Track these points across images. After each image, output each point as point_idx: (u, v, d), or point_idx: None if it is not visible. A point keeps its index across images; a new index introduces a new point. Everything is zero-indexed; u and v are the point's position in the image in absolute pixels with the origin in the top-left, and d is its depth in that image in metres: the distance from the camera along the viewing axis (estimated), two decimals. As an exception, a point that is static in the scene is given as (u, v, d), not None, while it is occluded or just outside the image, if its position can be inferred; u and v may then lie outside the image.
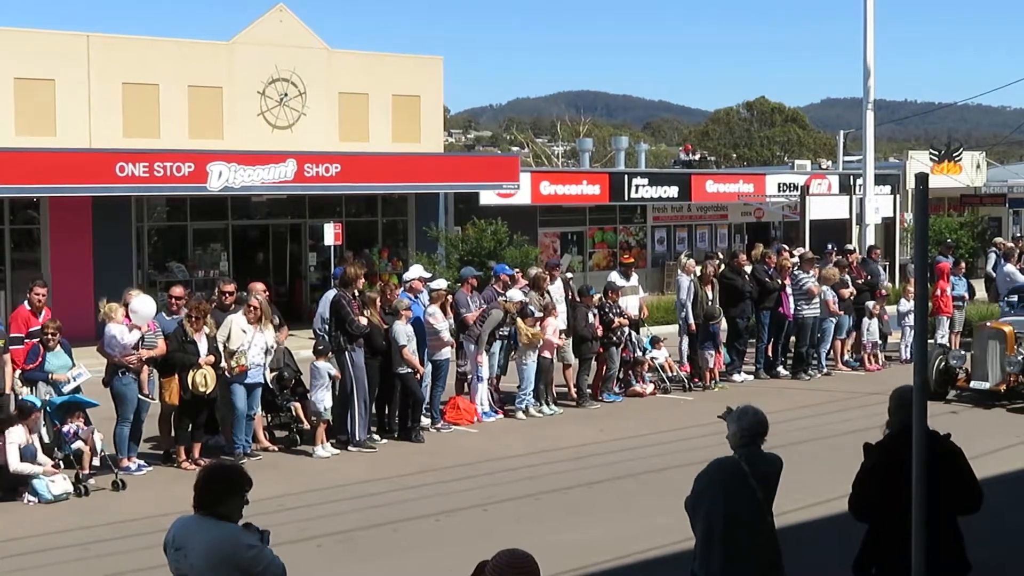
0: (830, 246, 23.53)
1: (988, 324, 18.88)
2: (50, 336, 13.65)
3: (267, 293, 15.72)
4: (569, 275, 19.55)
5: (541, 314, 17.41)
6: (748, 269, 20.49)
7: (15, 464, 12.53)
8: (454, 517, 11.97)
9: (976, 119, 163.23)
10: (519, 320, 17.04)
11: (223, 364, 14.09)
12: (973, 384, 18.02)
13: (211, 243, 28.88)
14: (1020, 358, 17.67)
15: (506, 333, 17.43)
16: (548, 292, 18.03)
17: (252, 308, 14.47)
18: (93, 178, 23.59)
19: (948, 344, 21.01)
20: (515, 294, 17.24)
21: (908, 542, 6.36)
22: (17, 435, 12.65)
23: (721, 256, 24.09)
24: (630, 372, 19.09)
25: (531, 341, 17.06)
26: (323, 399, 14.78)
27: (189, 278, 26.86)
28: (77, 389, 13.66)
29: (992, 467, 12.61)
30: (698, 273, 19.86)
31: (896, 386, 7.32)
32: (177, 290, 15.18)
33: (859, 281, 22.00)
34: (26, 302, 14.63)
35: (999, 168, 48.78)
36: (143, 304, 13.97)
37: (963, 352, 18.69)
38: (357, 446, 15.01)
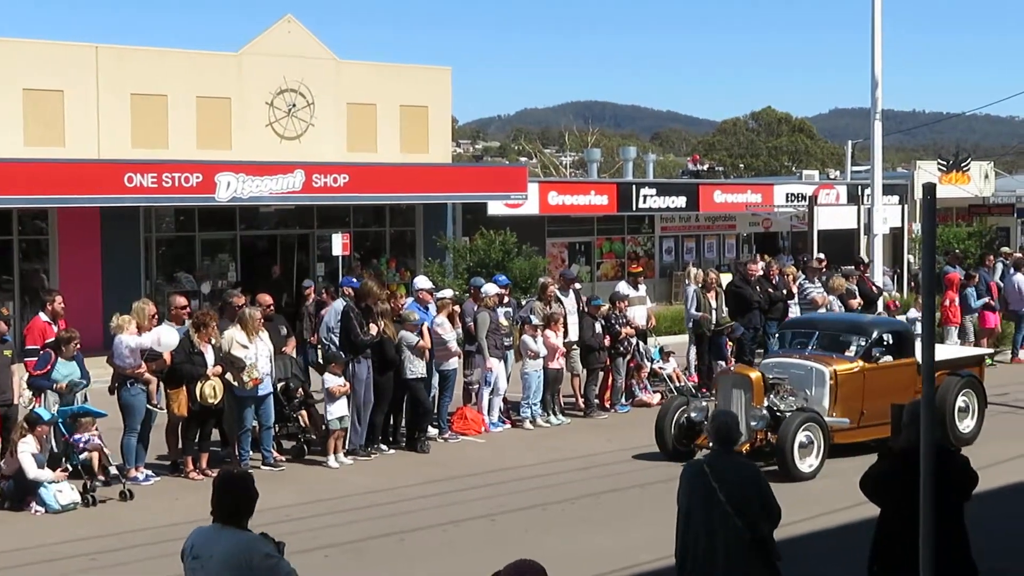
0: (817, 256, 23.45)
1: (732, 369, 16.16)
2: (71, 344, 13.63)
3: (271, 306, 15.74)
4: (577, 285, 19.54)
5: (541, 323, 17.42)
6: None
7: (33, 472, 12.55)
8: (461, 527, 11.97)
9: (984, 129, 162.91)
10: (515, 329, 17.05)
11: (230, 377, 14.04)
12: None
13: (219, 253, 28.91)
14: (766, 412, 14.11)
15: (508, 344, 17.43)
16: (561, 302, 18.04)
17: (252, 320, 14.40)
18: (101, 188, 23.64)
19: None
20: (490, 288, 17.38)
21: (911, 547, 6.40)
22: (30, 444, 12.68)
23: (738, 267, 24.07)
24: (632, 380, 19.05)
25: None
26: (335, 410, 14.77)
27: (197, 288, 26.89)
28: (84, 398, 13.68)
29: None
30: (700, 281, 19.84)
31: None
32: (180, 300, 15.17)
33: (873, 291, 21.93)
34: (41, 313, 14.63)
35: (1007, 178, 48.73)
36: (167, 335, 13.93)
37: (705, 404, 14.99)
38: (351, 455, 15.00)
